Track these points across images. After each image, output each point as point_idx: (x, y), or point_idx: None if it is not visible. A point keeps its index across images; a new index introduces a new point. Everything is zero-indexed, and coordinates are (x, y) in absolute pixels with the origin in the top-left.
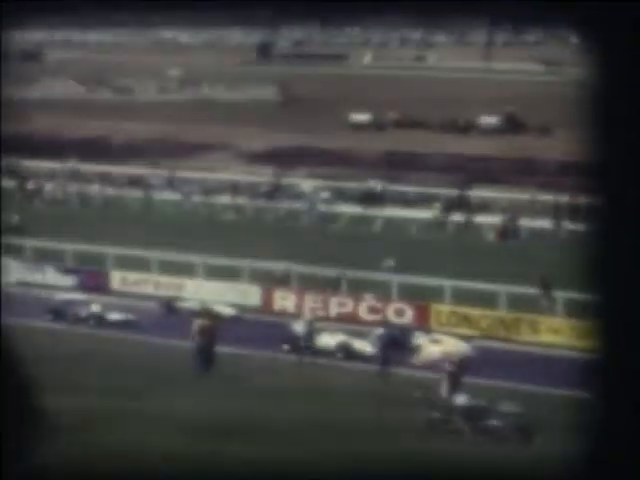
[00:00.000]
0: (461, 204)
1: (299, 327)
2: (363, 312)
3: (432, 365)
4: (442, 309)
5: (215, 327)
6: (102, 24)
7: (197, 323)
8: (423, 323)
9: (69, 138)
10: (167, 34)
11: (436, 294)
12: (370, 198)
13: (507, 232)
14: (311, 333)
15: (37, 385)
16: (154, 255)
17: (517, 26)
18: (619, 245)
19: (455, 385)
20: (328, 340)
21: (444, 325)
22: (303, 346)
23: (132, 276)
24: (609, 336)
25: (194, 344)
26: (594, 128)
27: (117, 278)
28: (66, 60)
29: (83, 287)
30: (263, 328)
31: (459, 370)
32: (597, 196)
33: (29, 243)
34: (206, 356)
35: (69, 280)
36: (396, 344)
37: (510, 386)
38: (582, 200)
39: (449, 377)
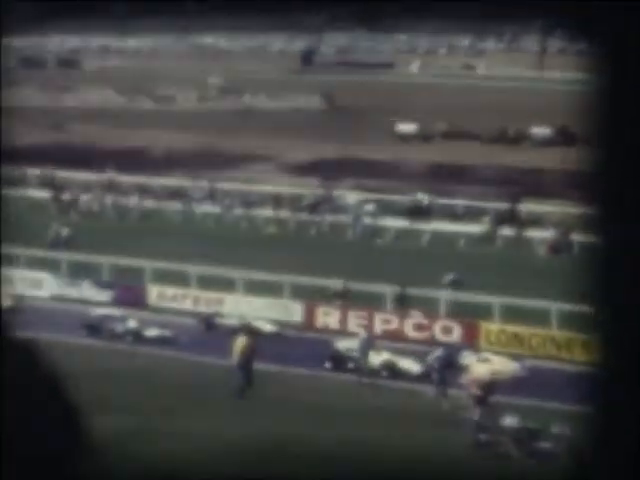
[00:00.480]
0: (511, 218)
1: (343, 344)
2: (409, 329)
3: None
4: (492, 327)
5: (255, 344)
6: (140, 30)
7: (238, 340)
8: (472, 342)
9: (107, 148)
10: (207, 40)
11: (485, 311)
12: (417, 211)
13: (559, 247)
14: (366, 351)
15: (72, 402)
16: (193, 269)
17: (571, 32)
18: None
19: (484, 407)
20: (372, 358)
21: (493, 344)
22: (355, 365)
23: (170, 291)
24: None
25: (234, 361)
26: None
27: (155, 293)
28: (104, 68)
29: (119, 302)
30: (305, 345)
31: (486, 392)
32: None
33: (64, 256)
34: (245, 373)
35: (105, 295)
36: (449, 364)
37: (562, 407)
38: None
39: (476, 400)
